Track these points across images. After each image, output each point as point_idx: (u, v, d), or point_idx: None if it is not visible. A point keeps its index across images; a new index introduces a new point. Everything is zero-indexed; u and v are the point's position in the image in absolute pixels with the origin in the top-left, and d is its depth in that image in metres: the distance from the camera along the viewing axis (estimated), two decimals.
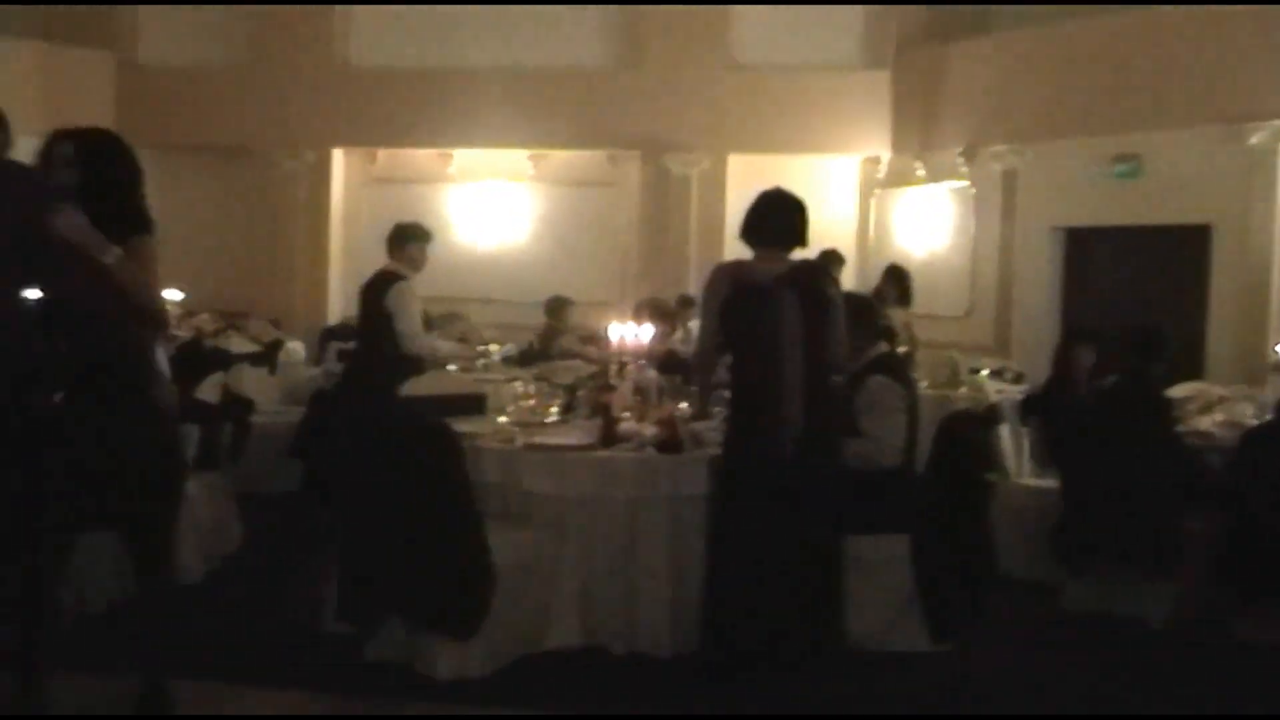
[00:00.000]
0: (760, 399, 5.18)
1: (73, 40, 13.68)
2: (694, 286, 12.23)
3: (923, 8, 13.50)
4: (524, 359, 9.51)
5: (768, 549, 5.17)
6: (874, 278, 11.35)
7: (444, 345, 7.96)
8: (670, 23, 13.66)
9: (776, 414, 5.13)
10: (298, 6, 14.04)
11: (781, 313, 5.17)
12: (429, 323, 8.30)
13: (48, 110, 10.72)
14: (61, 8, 13.69)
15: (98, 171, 4.18)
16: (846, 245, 12.40)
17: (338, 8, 14.18)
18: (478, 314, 11.87)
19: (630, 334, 6.63)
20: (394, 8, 14.07)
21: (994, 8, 12.89)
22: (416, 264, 7.71)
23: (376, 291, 7.56)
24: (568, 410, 6.41)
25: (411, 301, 7.51)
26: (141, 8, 14.31)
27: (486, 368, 8.54)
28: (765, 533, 5.17)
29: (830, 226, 12.03)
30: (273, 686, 5.06)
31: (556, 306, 10.99)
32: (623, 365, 6.50)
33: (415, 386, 6.76)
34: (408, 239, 7.73)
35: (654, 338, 7.06)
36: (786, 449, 5.12)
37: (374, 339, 7.60)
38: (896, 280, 10.47)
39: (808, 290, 5.24)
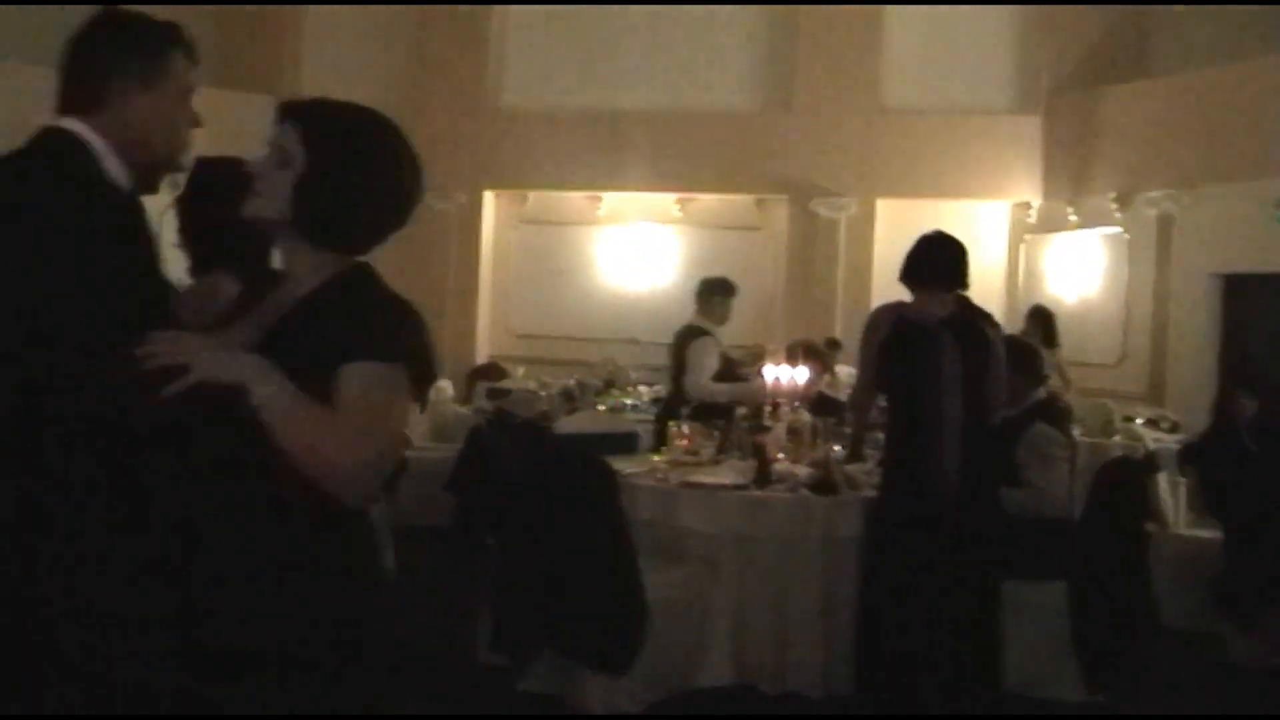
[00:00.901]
0: (918, 440, 5.15)
1: (238, 85, 14.15)
2: (840, 331, 12.22)
3: (1075, 52, 13.36)
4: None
5: (925, 592, 5.13)
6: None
7: (723, 389, 7.86)
8: (820, 67, 13.69)
9: (934, 456, 5.09)
10: (452, 49, 14.38)
11: (941, 353, 5.14)
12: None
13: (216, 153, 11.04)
14: (227, 53, 14.18)
15: None
16: (996, 291, 12.30)
17: (491, 50, 14.49)
18: (625, 355, 11.98)
19: (785, 375, 6.64)
20: (546, 51, 14.34)
21: (1150, 51, 12.71)
22: (720, 317, 7.81)
23: (680, 343, 7.70)
24: (720, 451, 6.44)
25: (705, 356, 7.60)
26: (306, 51, 14.76)
27: (637, 407, 8.60)
28: (922, 576, 5.12)
29: (980, 272, 11.87)
30: (426, 716, 5.15)
31: None
32: (776, 406, 6.52)
33: (570, 424, 6.84)
34: (712, 293, 7.85)
35: (808, 379, 7.05)
36: (944, 492, 5.09)
37: (675, 386, 7.75)
38: (1041, 321, 10.32)
39: (968, 332, 5.21)
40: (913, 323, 5.25)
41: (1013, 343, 5.72)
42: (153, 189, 2.70)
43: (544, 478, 5.42)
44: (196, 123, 2.80)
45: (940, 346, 5.15)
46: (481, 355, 14.39)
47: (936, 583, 5.12)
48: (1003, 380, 5.30)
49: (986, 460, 5.25)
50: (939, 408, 5.11)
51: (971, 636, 5.22)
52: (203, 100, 2.79)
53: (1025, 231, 13.76)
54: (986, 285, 11.60)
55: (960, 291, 5.32)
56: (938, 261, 5.31)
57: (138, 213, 2.58)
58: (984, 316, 5.44)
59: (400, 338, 2.32)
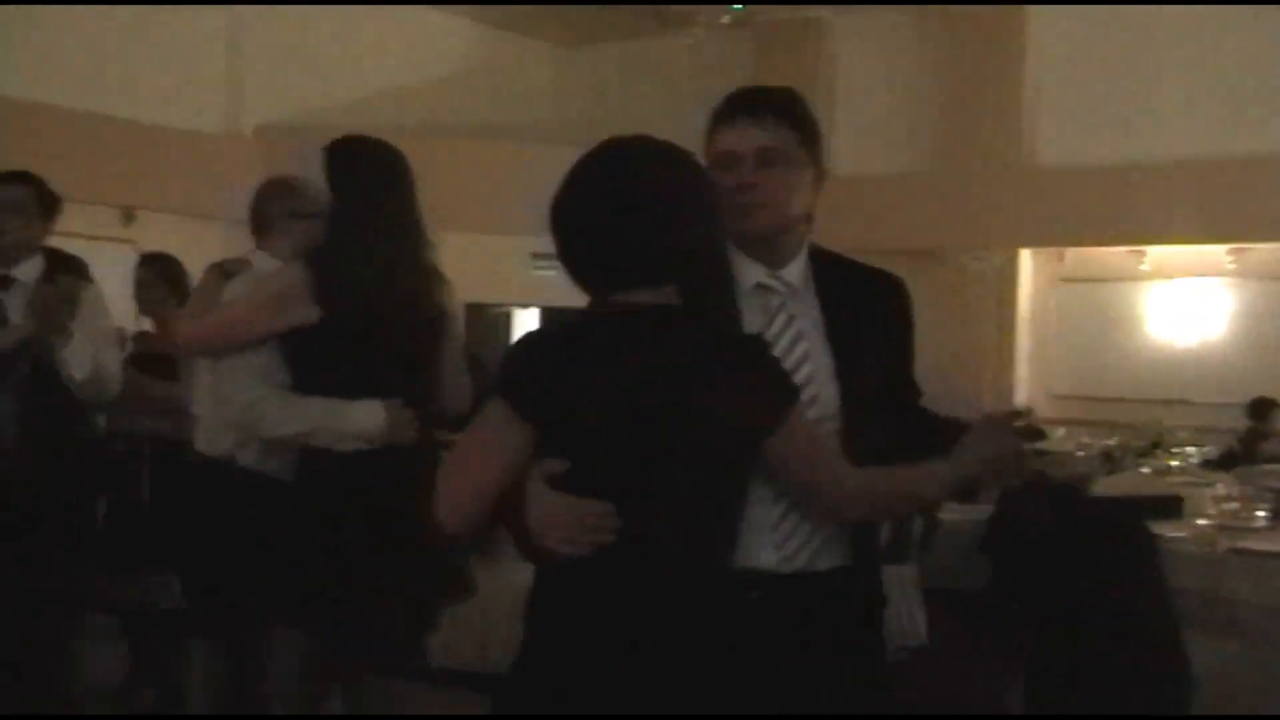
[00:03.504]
0: None
1: None
2: None
3: None
4: (1224, 462, 9.01)
5: None
6: None
7: None
8: None
9: None
10: (984, 108, 14.25)
11: None
12: None
13: None
14: None
15: None
16: None
17: (1024, 107, 14.25)
18: (1172, 416, 11.37)
19: None
20: (1081, 103, 13.93)
21: None
22: None
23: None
24: (1276, 516, 6.01)
25: None
26: (839, 119, 15.11)
27: (1183, 470, 8.17)
28: None
29: None
30: None
31: (1262, 408, 10.36)
32: None
33: (1109, 486, 6.60)
34: None
35: None
36: None
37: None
38: None
39: None
40: None
41: None
42: None
43: (1079, 541, 5.26)
44: None
45: None
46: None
47: None
48: None
49: None
50: None
51: None
52: None
53: None
54: None
55: None
56: None
57: None
58: None
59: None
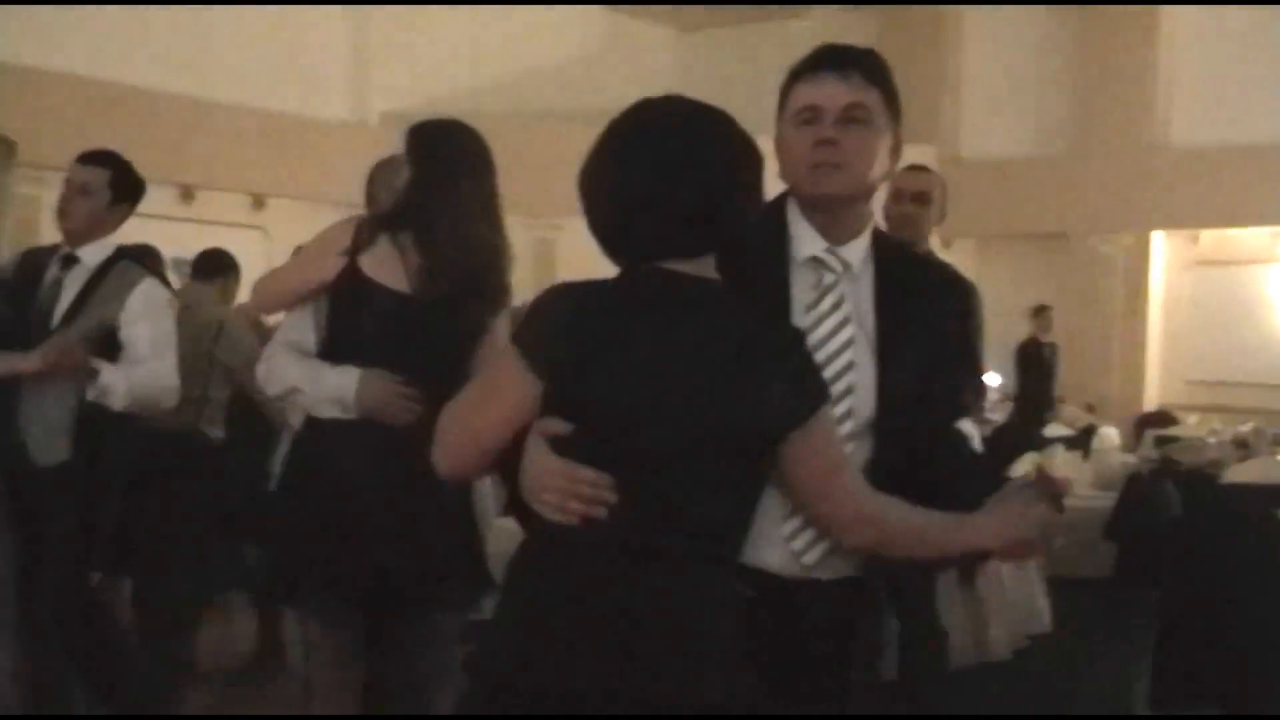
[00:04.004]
0: None
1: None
2: None
3: None
4: None
5: None
6: None
7: None
8: None
9: None
10: (1115, 90, 13.96)
11: None
12: None
13: None
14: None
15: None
16: None
17: (1159, 87, 13.92)
18: None
19: None
20: (1216, 83, 13.57)
21: None
22: None
23: None
24: None
25: None
26: (965, 102, 14.89)
27: None
28: None
29: None
30: None
31: None
32: None
33: (1241, 472, 6.44)
34: None
35: None
36: None
37: None
38: None
39: None
40: None
41: None
42: None
43: (1208, 529, 5.15)
44: None
45: None
46: (1150, 403, 13.79)
47: None
48: None
49: None
50: None
51: None
52: None
53: None
54: None
55: None
56: None
57: None
58: None
59: None
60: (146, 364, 4.32)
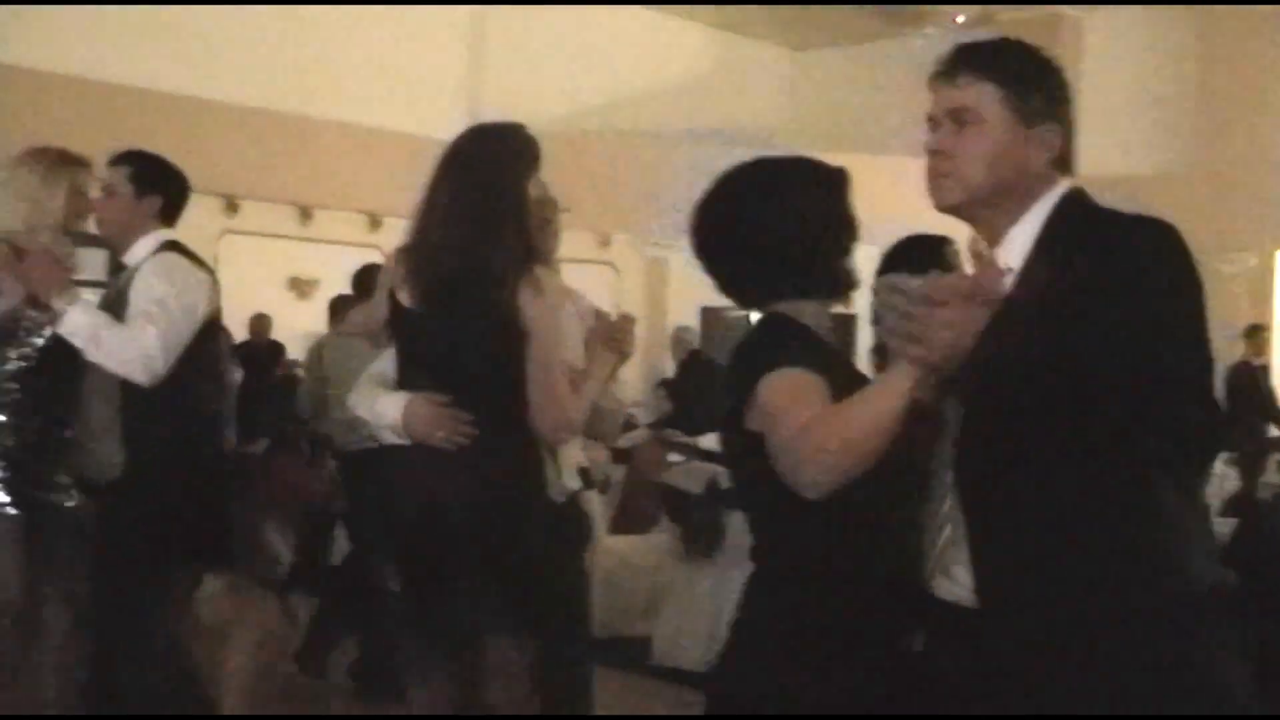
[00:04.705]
0: None
1: None
2: None
3: None
4: None
5: None
6: None
7: None
8: None
9: None
10: (1241, 104, 13.64)
11: None
12: None
13: None
14: None
15: None
16: None
17: None
18: None
19: None
20: None
21: None
22: None
23: None
24: None
25: None
26: (1085, 123, 14.65)
27: None
28: None
29: None
30: None
31: None
32: None
33: None
34: None
35: None
36: None
37: None
38: None
39: None
40: None
41: None
42: None
43: None
44: None
45: None
46: (1275, 428, 13.43)
47: None
48: None
49: None
50: None
51: None
52: None
53: None
54: None
55: None
56: None
57: None
58: None
59: None
60: (133, 324, 4.00)
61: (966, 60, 2.29)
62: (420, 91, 12.83)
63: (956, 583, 2.24)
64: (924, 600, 2.31)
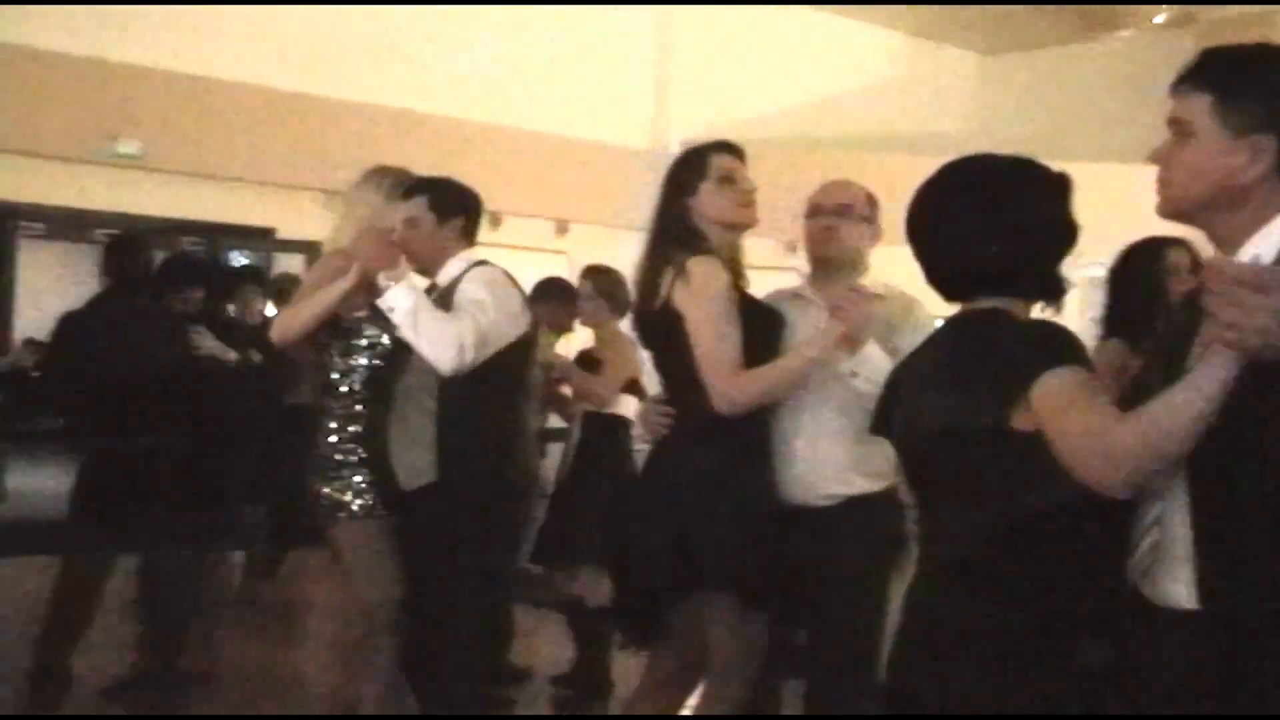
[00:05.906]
0: None
1: None
2: None
3: None
4: None
5: None
6: None
7: None
8: None
9: None
10: None
11: None
12: None
13: None
14: None
15: None
16: None
17: None
18: None
19: None
20: None
21: None
22: None
23: None
24: None
25: None
26: None
27: None
28: None
29: None
30: None
31: None
32: None
33: None
34: None
35: None
36: None
37: None
38: None
39: None
40: None
41: None
42: None
43: None
44: None
45: None
46: None
47: None
48: None
49: None
50: None
51: None
52: None
53: None
54: None
55: None
56: None
57: None
58: None
59: None
60: (453, 316, 4.16)
61: (1193, 70, 2.29)
62: (607, 101, 12.97)
63: (1171, 586, 2.21)
64: (1131, 605, 2.29)
